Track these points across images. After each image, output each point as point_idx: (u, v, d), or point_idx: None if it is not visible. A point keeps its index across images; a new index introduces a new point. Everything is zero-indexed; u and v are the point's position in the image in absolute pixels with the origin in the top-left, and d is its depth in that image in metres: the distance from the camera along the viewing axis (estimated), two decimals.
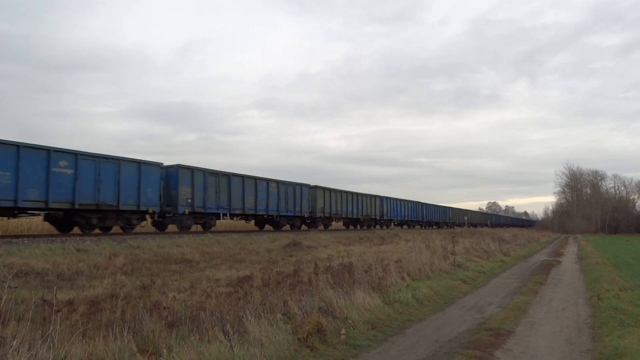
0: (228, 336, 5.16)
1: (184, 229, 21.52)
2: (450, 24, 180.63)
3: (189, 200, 20.92)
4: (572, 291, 11.31)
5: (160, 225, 21.60)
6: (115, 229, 19.79)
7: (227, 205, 23.17)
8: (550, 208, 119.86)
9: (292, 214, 28.51)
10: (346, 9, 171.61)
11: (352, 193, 35.97)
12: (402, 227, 46.91)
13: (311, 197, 30.74)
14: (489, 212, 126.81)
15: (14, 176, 14.44)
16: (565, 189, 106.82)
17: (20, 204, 14.75)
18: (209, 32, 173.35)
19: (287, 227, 29.59)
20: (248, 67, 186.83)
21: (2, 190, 14.18)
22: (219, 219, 23.44)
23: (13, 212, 15.47)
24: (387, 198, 42.72)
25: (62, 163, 15.95)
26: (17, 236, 15.72)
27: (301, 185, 29.68)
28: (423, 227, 51.78)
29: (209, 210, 22.10)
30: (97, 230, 18.22)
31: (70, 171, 16.14)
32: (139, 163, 18.87)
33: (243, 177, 24.57)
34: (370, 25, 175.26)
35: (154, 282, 8.60)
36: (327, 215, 32.45)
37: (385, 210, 41.76)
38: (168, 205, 20.42)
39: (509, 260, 19.75)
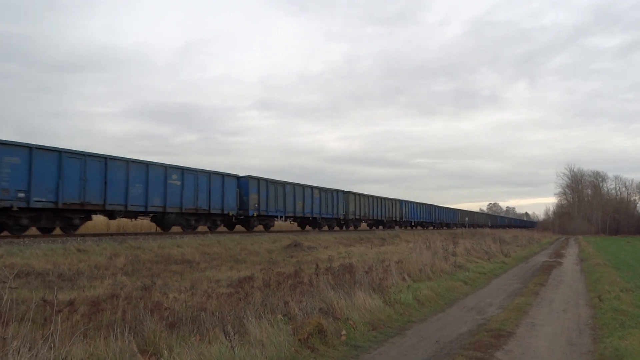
0: (229, 337, 5.16)
1: (250, 229, 25.65)
2: (450, 25, 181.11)
3: (256, 205, 25.11)
4: (573, 292, 11.30)
5: (231, 226, 25.66)
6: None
7: (282, 209, 27.27)
8: (551, 209, 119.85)
9: (330, 216, 32.17)
10: (346, 9, 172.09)
11: (377, 197, 39.41)
12: (416, 227, 49.00)
13: (345, 201, 34.27)
14: (490, 213, 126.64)
15: (145, 187, 18.58)
16: (566, 190, 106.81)
17: (149, 209, 18.89)
18: (209, 33, 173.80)
19: (326, 227, 32.79)
20: (248, 68, 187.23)
21: (138, 198, 18.36)
22: (277, 220, 27.63)
23: (139, 214, 19.24)
24: (405, 202, 46.10)
25: (174, 176, 20.16)
26: (17, 236, 15.74)
27: (337, 191, 33.23)
28: (435, 228, 53.60)
29: (270, 213, 26.19)
30: (95, 230, 18.31)
31: (178, 182, 20.33)
32: (222, 175, 23.00)
33: (294, 185, 28.46)
34: (370, 25, 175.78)
35: (155, 283, 8.59)
36: (357, 217, 35.63)
37: (404, 212, 45.17)
38: (240, 209, 24.32)
39: (509, 262, 19.73)
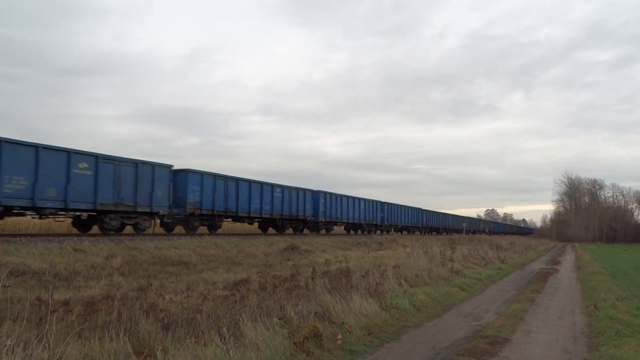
0: (224, 339, 5.15)
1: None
2: (447, 38, 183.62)
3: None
4: (569, 300, 11.31)
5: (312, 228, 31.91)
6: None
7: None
8: (549, 216, 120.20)
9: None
10: (347, 22, 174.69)
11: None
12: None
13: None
14: (488, 219, 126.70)
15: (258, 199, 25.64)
16: (564, 197, 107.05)
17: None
18: (215, 41, 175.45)
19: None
20: (252, 74, 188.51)
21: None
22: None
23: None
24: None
25: (277, 192, 27.31)
26: (14, 235, 15.68)
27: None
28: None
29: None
30: (93, 230, 18.23)
31: (278, 195, 27.32)
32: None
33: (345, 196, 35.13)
34: (371, 37, 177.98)
35: (151, 284, 8.57)
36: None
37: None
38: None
39: (506, 268, 19.74)
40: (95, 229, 18.21)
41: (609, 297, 10.58)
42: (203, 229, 23.17)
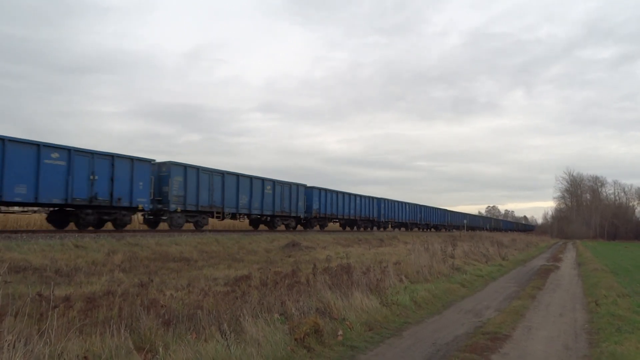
0: (225, 335, 5.16)
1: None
2: (449, 36, 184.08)
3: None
4: (570, 296, 11.30)
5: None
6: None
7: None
8: (550, 213, 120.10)
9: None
10: (348, 20, 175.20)
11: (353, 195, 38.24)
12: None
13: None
14: (489, 216, 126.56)
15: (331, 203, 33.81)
16: (565, 194, 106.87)
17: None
18: (217, 40, 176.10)
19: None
20: (254, 72, 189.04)
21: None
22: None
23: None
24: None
25: (358, 200, 36.09)
26: (15, 231, 15.72)
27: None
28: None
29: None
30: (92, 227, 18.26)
31: (359, 202, 36.56)
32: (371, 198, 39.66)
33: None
34: (372, 35, 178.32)
35: (152, 280, 8.58)
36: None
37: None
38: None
39: (507, 265, 19.73)
40: (262, 227, 28.89)
41: (610, 294, 10.57)
42: (203, 227, 24.19)
